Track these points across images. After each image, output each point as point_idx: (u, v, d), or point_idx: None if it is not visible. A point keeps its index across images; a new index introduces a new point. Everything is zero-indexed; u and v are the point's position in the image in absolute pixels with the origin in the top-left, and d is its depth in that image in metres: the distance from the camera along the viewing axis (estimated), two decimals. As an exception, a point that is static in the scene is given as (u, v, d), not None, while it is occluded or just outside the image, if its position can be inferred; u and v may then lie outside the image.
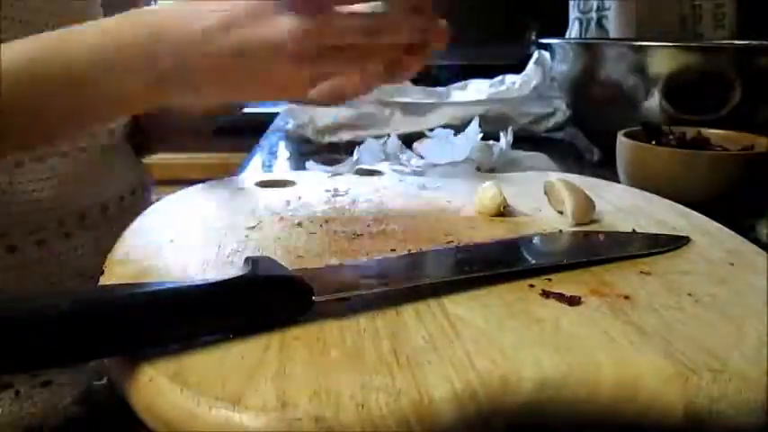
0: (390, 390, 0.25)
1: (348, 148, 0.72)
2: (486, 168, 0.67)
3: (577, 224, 0.45)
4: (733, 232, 0.44)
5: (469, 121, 0.76)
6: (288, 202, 0.49)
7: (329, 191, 0.53)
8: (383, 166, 0.62)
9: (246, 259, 0.32)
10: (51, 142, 0.52)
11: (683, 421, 0.26)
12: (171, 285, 0.28)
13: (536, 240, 0.42)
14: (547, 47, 0.95)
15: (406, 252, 0.39)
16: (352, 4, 0.43)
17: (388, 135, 0.72)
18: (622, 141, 0.62)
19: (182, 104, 0.45)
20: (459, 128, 0.77)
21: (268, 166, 0.84)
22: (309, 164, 0.64)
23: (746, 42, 0.88)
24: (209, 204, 0.49)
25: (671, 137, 0.64)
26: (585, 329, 0.30)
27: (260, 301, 0.29)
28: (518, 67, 1.04)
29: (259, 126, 1.10)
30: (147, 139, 0.71)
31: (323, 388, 0.25)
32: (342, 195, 0.52)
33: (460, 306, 0.32)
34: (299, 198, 0.51)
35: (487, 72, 1.09)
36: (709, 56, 0.71)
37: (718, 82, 0.69)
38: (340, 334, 0.29)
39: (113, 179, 0.62)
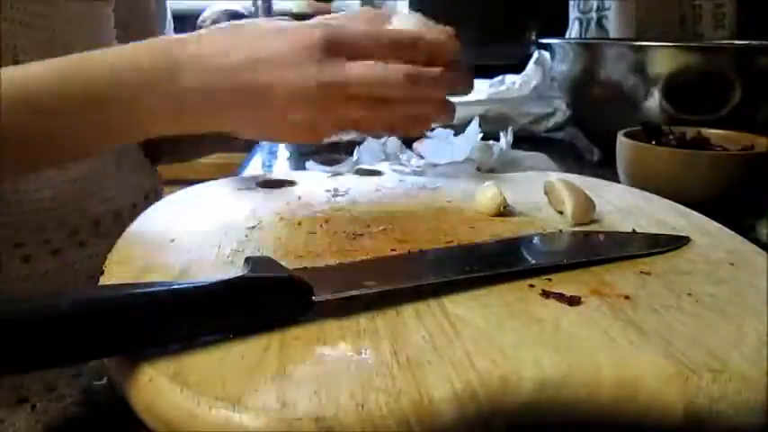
0: (390, 390, 0.25)
1: (348, 148, 0.72)
2: (486, 168, 0.67)
3: (577, 224, 0.45)
4: (733, 232, 0.44)
5: (469, 122, 0.76)
6: (288, 202, 0.49)
7: (329, 191, 0.53)
8: (383, 166, 0.62)
9: (246, 259, 0.32)
10: (63, 163, 0.52)
11: (683, 421, 0.26)
12: (171, 285, 0.28)
13: (536, 240, 0.42)
14: (547, 47, 0.95)
15: (406, 252, 0.39)
16: (388, 54, 0.43)
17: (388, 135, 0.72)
18: (622, 141, 0.62)
19: (197, 133, 0.45)
20: (459, 128, 0.77)
21: (268, 166, 0.84)
22: (309, 164, 0.64)
23: (746, 42, 0.88)
24: (209, 204, 0.49)
25: (671, 137, 0.64)
26: (585, 329, 0.30)
27: (260, 301, 0.29)
28: (518, 67, 1.04)
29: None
30: (158, 150, 0.71)
31: (323, 388, 0.25)
32: (342, 195, 0.52)
33: (460, 306, 0.32)
34: (299, 198, 0.51)
35: (487, 72, 1.09)
36: (709, 56, 0.71)
37: (718, 82, 0.69)
38: (340, 334, 0.29)
39: (126, 186, 0.62)
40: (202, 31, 0.44)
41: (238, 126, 0.45)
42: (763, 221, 0.55)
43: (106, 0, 0.58)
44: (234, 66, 0.41)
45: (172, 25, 0.78)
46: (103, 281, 0.35)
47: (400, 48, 0.44)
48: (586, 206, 0.46)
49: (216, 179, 0.56)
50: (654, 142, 0.62)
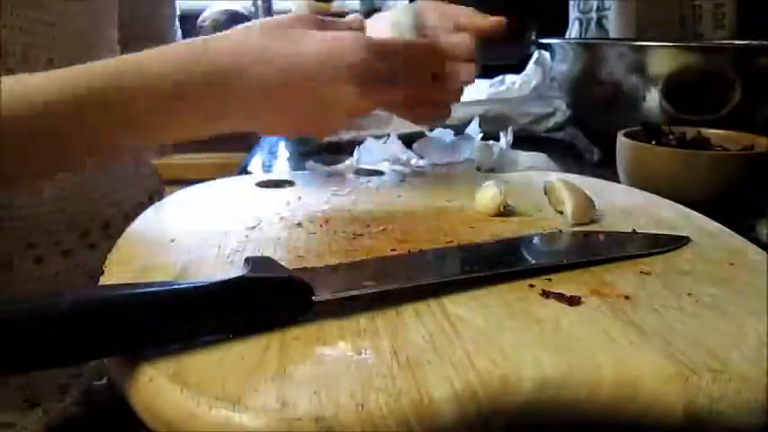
0: (390, 390, 0.25)
1: (348, 148, 0.72)
2: (486, 168, 0.67)
3: (577, 224, 0.45)
4: (733, 232, 0.44)
5: (470, 122, 0.76)
6: (288, 202, 0.49)
7: (329, 191, 0.53)
8: (383, 166, 0.62)
9: (246, 259, 0.32)
10: (85, 166, 0.52)
11: (683, 421, 0.26)
12: (171, 285, 0.28)
13: (536, 240, 0.42)
14: (547, 47, 0.95)
15: (406, 252, 0.39)
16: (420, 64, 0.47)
17: (388, 135, 0.72)
18: (622, 141, 0.62)
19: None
20: (459, 128, 0.77)
21: (268, 166, 0.84)
22: (309, 164, 0.64)
23: (746, 42, 0.88)
24: (209, 204, 0.49)
25: (671, 137, 0.64)
26: (585, 329, 0.30)
27: (260, 301, 0.29)
28: (518, 67, 1.04)
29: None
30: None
31: (323, 388, 0.25)
32: (342, 195, 0.52)
33: (460, 306, 0.32)
34: (299, 198, 0.51)
35: (487, 72, 1.09)
36: (709, 56, 0.71)
37: (718, 82, 0.69)
38: (340, 334, 0.29)
39: (133, 187, 0.63)
40: (233, 33, 0.43)
41: (262, 128, 0.47)
42: (763, 221, 0.55)
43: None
44: (271, 76, 0.41)
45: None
46: (103, 281, 0.35)
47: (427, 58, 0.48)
48: (586, 206, 0.46)
49: (216, 179, 0.56)
50: (654, 142, 0.62)
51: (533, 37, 1.38)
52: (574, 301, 0.33)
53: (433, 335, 0.29)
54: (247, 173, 0.76)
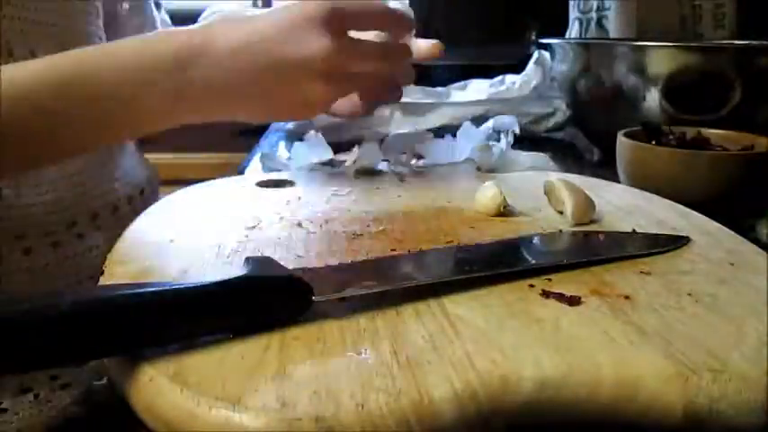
0: (390, 390, 0.25)
1: (348, 148, 0.72)
2: (486, 168, 0.67)
3: (577, 224, 0.45)
4: (733, 232, 0.44)
5: (479, 121, 0.76)
6: (288, 202, 0.49)
7: (329, 191, 0.53)
8: (383, 166, 0.62)
9: (246, 259, 0.32)
10: (62, 159, 0.53)
11: (682, 421, 0.26)
12: (171, 285, 0.28)
13: (536, 240, 0.42)
14: (547, 47, 0.95)
15: (406, 252, 0.39)
16: (380, 25, 0.48)
17: (388, 135, 0.72)
18: (622, 141, 0.62)
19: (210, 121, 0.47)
20: (459, 128, 0.77)
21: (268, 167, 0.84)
22: (309, 164, 0.64)
23: (746, 42, 0.88)
24: (209, 204, 0.49)
25: (671, 137, 0.64)
26: (585, 329, 0.30)
27: (260, 301, 0.29)
28: (518, 67, 1.04)
29: (259, 126, 1.10)
30: None
31: (323, 388, 0.25)
32: (342, 195, 0.52)
33: (460, 306, 0.32)
34: (299, 198, 0.51)
35: (487, 72, 1.09)
36: (709, 56, 0.71)
37: (718, 82, 0.69)
38: (340, 334, 0.29)
39: (123, 179, 0.63)
40: (205, 23, 0.45)
41: (240, 110, 0.46)
42: (763, 221, 0.55)
43: None
44: (237, 45, 0.42)
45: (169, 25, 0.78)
46: (103, 281, 0.35)
47: (390, 20, 0.49)
48: (586, 206, 0.46)
49: (216, 179, 0.56)
50: (654, 142, 0.62)
51: (533, 37, 1.39)
52: (574, 301, 0.33)
53: (433, 335, 0.29)
54: (247, 173, 0.76)
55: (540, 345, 0.28)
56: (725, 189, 0.56)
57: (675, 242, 0.41)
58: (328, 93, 0.45)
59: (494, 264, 0.36)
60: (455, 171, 0.62)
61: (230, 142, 1.34)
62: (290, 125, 0.97)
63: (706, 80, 0.70)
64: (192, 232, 0.42)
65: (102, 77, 0.41)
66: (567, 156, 0.86)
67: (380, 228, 0.44)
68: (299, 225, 0.44)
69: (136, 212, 0.61)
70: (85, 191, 0.57)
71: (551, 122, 0.97)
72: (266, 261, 0.32)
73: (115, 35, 0.63)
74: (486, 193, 0.47)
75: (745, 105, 0.69)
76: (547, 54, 0.97)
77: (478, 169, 0.66)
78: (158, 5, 0.83)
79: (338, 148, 0.77)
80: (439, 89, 1.06)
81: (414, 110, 0.94)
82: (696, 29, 1.08)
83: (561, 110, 0.96)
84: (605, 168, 0.69)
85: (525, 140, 0.83)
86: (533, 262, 0.37)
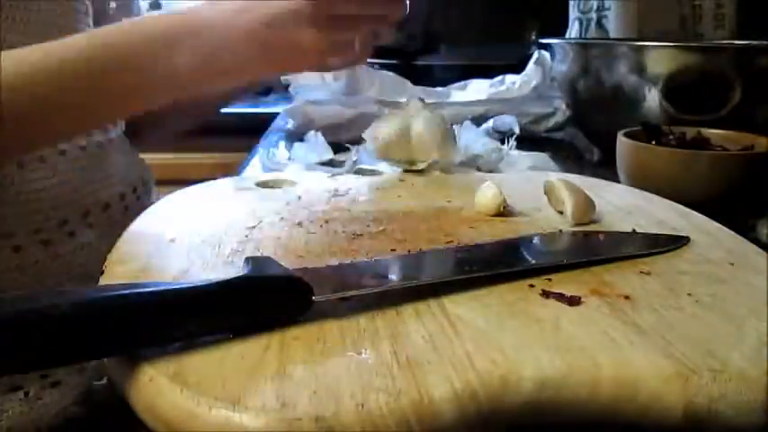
0: (390, 390, 0.25)
1: (348, 148, 0.72)
2: (487, 168, 0.67)
3: (577, 224, 0.45)
4: (733, 232, 0.44)
5: (479, 121, 0.76)
6: (288, 203, 0.49)
7: (329, 191, 0.53)
8: (383, 166, 0.62)
9: (246, 259, 0.32)
10: (100, 125, 0.58)
11: (682, 421, 0.26)
12: (171, 285, 0.28)
13: (536, 240, 0.42)
14: (547, 47, 0.95)
15: (406, 252, 0.39)
16: None
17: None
18: (622, 141, 0.62)
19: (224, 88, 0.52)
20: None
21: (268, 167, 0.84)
22: (310, 165, 0.64)
23: (746, 42, 0.88)
24: (209, 204, 0.49)
25: (671, 137, 0.64)
26: (585, 329, 0.30)
27: (260, 301, 0.29)
28: (518, 67, 1.04)
29: (259, 126, 1.10)
30: (137, 129, 0.71)
31: (323, 388, 0.25)
32: (342, 195, 0.52)
33: (460, 306, 0.32)
34: (299, 198, 0.51)
35: (487, 72, 1.09)
36: (709, 56, 0.71)
37: (718, 82, 0.69)
38: (340, 334, 0.29)
39: (114, 177, 0.63)
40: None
41: (240, 69, 0.50)
42: (764, 221, 0.55)
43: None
44: (227, 14, 0.48)
45: None
46: (103, 281, 0.35)
47: None
48: (586, 206, 0.46)
49: (216, 179, 0.56)
50: (654, 142, 0.62)
51: (533, 37, 1.39)
52: (574, 301, 0.33)
53: (433, 335, 0.29)
54: (247, 173, 0.76)
55: (540, 345, 0.28)
56: (725, 189, 0.56)
57: (675, 242, 0.41)
58: (320, 39, 0.48)
59: (494, 264, 0.36)
60: (455, 171, 0.62)
61: (230, 142, 1.34)
62: (289, 126, 0.97)
63: (706, 80, 0.70)
64: (191, 232, 0.42)
65: (97, 57, 0.46)
66: (567, 156, 0.86)
67: (380, 228, 0.44)
68: (299, 225, 0.44)
69: (128, 211, 0.62)
70: (77, 189, 0.57)
71: (551, 122, 0.97)
72: (266, 261, 0.32)
73: None
74: (486, 193, 0.47)
75: (745, 105, 0.69)
76: (547, 54, 0.98)
77: (478, 169, 0.66)
78: (158, 5, 0.83)
79: (338, 148, 0.77)
80: (439, 89, 1.06)
81: (414, 110, 0.94)
82: (696, 29, 1.08)
83: (561, 110, 0.96)
84: (605, 168, 0.69)
85: (525, 140, 0.83)
86: (533, 262, 0.37)
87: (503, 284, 0.34)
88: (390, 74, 1.02)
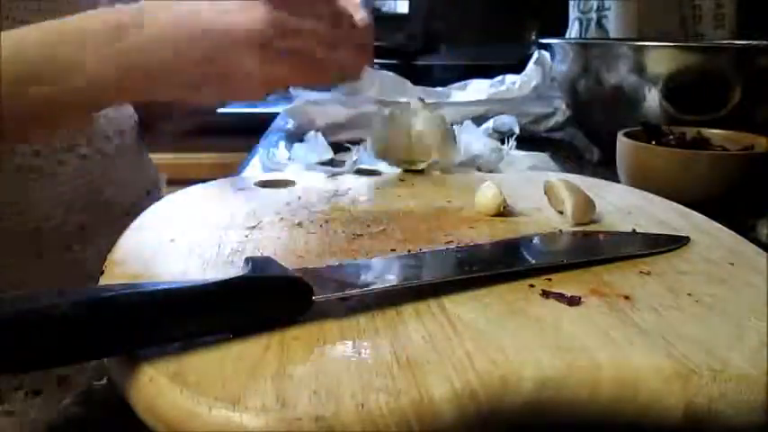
0: (390, 390, 0.25)
1: (348, 148, 0.72)
2: (487, 168, 0.67)
3: (577, 224, 0.45)
4: (733, 232, 0.44)
5: (479, 121, 0.76)
6: (288, 203, 0.49)
7: (329, 191, 0.53)
8: (383, 166, 0.62)
9: (246, 259, 0.32)
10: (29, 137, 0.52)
11: (682, 421, 0.26)
12: (171, 285, 0.28)
13: (536, 240, 0.42)
14: (547, 47, 0.95)
15: (406, 252, 0.39)
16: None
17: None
18: (622, 141, 0.62)
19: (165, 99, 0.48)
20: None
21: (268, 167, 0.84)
22: (310, 165, 0.64)
23: (746, 42, 0.88)
24: (209, 204, 0.49)
25: (671, 137, 0.64)
26: (585, 329, 0.30)
27: (260, 301, 0.29)
28: (518, 67, 1.04)
29: (259, 126, 1.10)
30: (149, 121, 0.71)
31: (323, 388, 0.25)
32: (342, 195, 0.52)
33: (460, 306, 0.32)
34: (299, 198, 0.51)
35: (487, 72, 1.09)
36: (709, 56, 0.71)
37: (718, 82, 0.69)
38: (340, 334, 0.29)
39: (129, 181, 0.63)
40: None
41: (184, 87, 0.46)
42: (763, 221, 0.55)
43: None
44: (176, 17, 0.43)
45: None
46: (103, 281, 0.35)
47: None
48: (586, 206, 0.46)
49: (216, 179, 0.56)
50: (654, 142, 0.62)
51: (533, 37, 1.39)
52: (574, 301, 0.33)
53: (433, 335, 0.29)
54: (247, 173, 0.76)
55: (540, 345, 0.28)
56: (725, 189, 0.56)
57: (675, 242, 0.41)
58: (271, 70, 0.44)
59: (494, 264, 0.36)
60: (456, 171, 0.62)
61: (230, 142, 1.34)
62: (289, 126, 0.97)
63: (706, 80, 0.70)
64: (191, 232, 0.42)
65: (39, 50, 0.43)
66: (567, 156, 0.86)
67: (380, 228, 0.44)
68: (299, 225, 0.44)
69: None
70: (97, 193, 0.58)
71: (551, 122, 0.97)
72: (266, 261, 0.32)
73: None
74: (486, 193, 0.47)
75: (745, 105, 0.69)
76: (547, 54, 0.98)
77: (479, 169, 0.66)
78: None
79: (338, 148, 0.77)
80: (439, 89, 1.06)
81: (414, 110, 0.94)
82: (696, 29, 1.08)
83: (561, 110, 0.96)
84: (605, 168, 0.69)
85: (525, 140, 0.83)
86: (533, 262, 0.37)
87: (503, 284, 0.34)
88: (390, 74, 1.02)
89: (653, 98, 0.72)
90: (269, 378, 0.26)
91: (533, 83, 0.98)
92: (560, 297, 0.33)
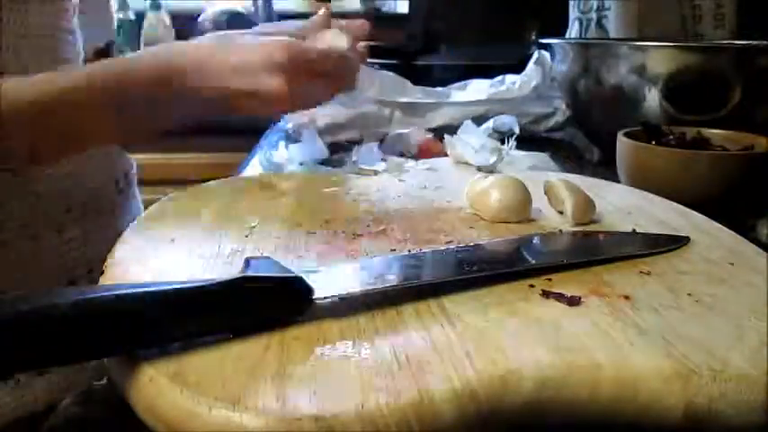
0: (390, 390, 0.25)
1: (348, 148, 0.72)
2: (487, 168, 0.67)
3: (577, 224, 0.45)
4: (733, 232, 0.44)
5: (479, 120, 0.76)
6: (287, 203, 0.49)
7: (330, 191, 0.53)
8: (382, 166, 0.62)
9: (246, 259, 0.32)
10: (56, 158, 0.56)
11: (682, 421, 0.26)
12: (171, 285, 0.28)
13: (536, 240, 0.42)
14: (547, 47, 0.95)
15: (406, 252, 0.39)
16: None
17: (388, 135, 0.72)
18: (622, 141, 0.62)
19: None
20: (459, 128, 0.77)
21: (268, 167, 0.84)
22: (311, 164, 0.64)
23: (746, 42, 0.88)
24: (209, 204, 0.49)
25: (671, 137, 0.64)
26: (585, 329, 0.30)
27: (260, 300, 0.29)
28: (518, 67, 1.04)
29: (259, 126, 1.10)
30: None
31: (323, 388, 0.25)
32: (342, 195, 0.52)
33: (460, 306, 0.32)
34: (300, 198, 0.51)
35: (487, 72, 1.09)
36: (709, 56, 0.71)
37: (718, 82, 0.69)
38: (340, 334, 0.29)
39: (96, 171, 0.63)
40: (182, 43, 0.49)
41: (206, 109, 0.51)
42: (763, 221, 0.55)
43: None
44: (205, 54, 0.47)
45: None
46: (103, 281, 0.35)
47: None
48: (586, 206, 0.46)
49: (216, 179, 0.56)
50: (654, 142, 0.62)
51: (533, 37, 1.39)
52: (574, 301, 0.33)
53: (433, 335, 0.29)
54: (247, 173, 0.76)
55: (540, 345, 0.28)
56: (725, 189, 0.56)
57: (675, 242, 0.41)
58: (287, 88, 0.47)
59: (494, 264, 0.36)
60: (456, 170, 0.62)
61: (230, 142, 1.34)
62: (289, 126, 0.97)
63: (706, 80, 0.70)
64: (192, 232, 0.42)
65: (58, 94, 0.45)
66: (567, 156, 0.86)
67: (380, 228, 0.44)
68: (299, 225, 0.44)
69: (112, 204, 0.62)
70: (62, 184, 0.58)
71: (551, 122, 0.97)
72: (266, 261, 0.32)
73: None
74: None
75: (745, 105, 0.69)
76: (547, 54, 0.98)
77: (479, 169, 0.66)
78: (158, 6, 0.82)
79: (338, 148, 0.77)
80: (439, 89, 1.06)
81: (414, 110, 0.94)
82: (696, 29, 1.08)
83: (561, 110, 0.96)
84: (605, 168, 0.69)
85: (525, 140, 0.83)
86: (533, 262, 0.37)
87: (503, 284, 0.34)
88: (390, 74, 1.02)
89: (653, 98, 0.72)
90: (269, 378, 0.26)
91: (533, 83, 0.98)
92: (560, 297, 0.33)
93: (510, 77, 1.03)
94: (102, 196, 0.63)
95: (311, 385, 0.25)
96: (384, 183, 0.56)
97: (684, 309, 0.32)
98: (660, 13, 1.09)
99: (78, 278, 0.58)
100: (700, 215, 0.47)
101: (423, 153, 0.77)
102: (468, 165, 0.68)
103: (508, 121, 0.85)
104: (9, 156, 0.46)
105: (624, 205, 0.50)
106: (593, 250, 0.40)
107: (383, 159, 0.68)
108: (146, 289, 0.28)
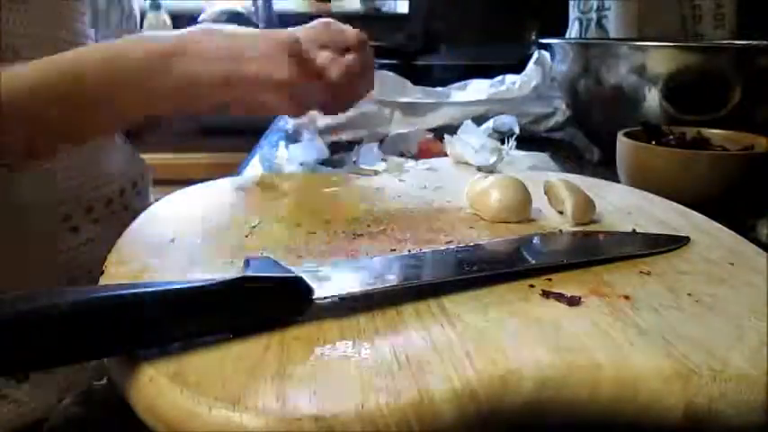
0: (390, 390, 0.25)
1: (348, 148, 0.72)
2: (487, 168, 0.67)
3: (577, 224, 0.45)
4: (733, 232, 0.44)
5: (479, 121, 0.76)
6: (288, 202, 0.49)
7: (330, 191, 0.53)
8: (383, 166, 0.62)
9: (246, 259, 0.32)
10: (79, 141, 0.56)
11: (682, 421, 0.26)
12: (171, 285, 0.28)
13: (536, 240, 0.42)
14: (547, 47, 0.95)
15: (405, 252, 0.39)
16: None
17: (388, 135, 0.72)
18: (622, 141, 0.62)
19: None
20: (459, 128, 0.77)
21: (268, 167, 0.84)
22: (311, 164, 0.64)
23: (746, 42, 0.88)
24: (209, 204, 0.49)
25: (671, 137, 0.64)
26: (585, 329, 0.30)
27: (260, 300, 0.29)
28: (518, 67, 1.04)
29: (259, 126, 1.10)
30: (137, 130, 0.72)
31: (323, 388, 0.25)
32: (342, 195, 0.52)
33: (460, 306, 0.32)
34: (300, 198, 0.51)
35: (487, 72, 1.09)
36: (709, 56, 0.71)
37: (718, 82, 0.69)
38: (340, 334, 0.29)
39: (115, 173, 0.63)
40: (185, 31, 0.49)
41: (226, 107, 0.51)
42: (763, 221, 0.55)
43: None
44: (221, 56, 0.48)
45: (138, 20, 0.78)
46: (103, 281, 0.35)
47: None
48: (586, 206, 0.46)
49: (216, 179, 0.56)
50: (654, 142, 0.62)
51: (533, 37, 1.39)
52: (574, 301, 0.33)
53: (433, 335, 0.29)
54: (247, 173, 0.76)
55: (540, 345, 0.28)
56: (725, 189, 0.56)
57: (675, 242, 0.41)
58: (295, 83, 0.48)
59: (494, 264, 0.36)
60: (457, 170, 0.62)
61: (230, 142, 1.34)
62: (289, 126, 0.97)
63: (706, 80, 0.70)
64: (192, 232, 0.42)
65: (87, 70, 0.47)
66: (567, 156, 0.86)
67: (380, 228, 0.44)
68: (299, 225, 0.44)
69: (129, 206, 0.62)
70: (81, 184, 0.58)
71: (551, 122, 0.97)
72: (266, 261, 0.32)
73: (97, 31, 0.64)
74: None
75: (745, 105, 0.69)
76: (547, 54, 0.97)
77: (479, 169, 0.66)
78: (158, 6, 0.83)
79: (338, 148, 0.77)
80: (439, 89, 1.06)
81: (414, 110, 0.94)
82: (696, 29, 1.08)
83: (561, 110, 0.96)
84: (605, 168, 0.69)
85: (525, 140, 0.83)
86: (533, 262, 0.37)
87: (503, 284, 0.34)
88: (390, 74, 1.02)
89: (653, 98, 0.72)
90: (269, 378, 0.26)
91: (533, 83, 0.98)
92: (560, 297, 0.33)
93: (510, 77, 1.03)
94: (121, 198, 0.63)
95: (311, 385, 0.25)
96: (384, 183, 0.56)
97: (684, 309, 0.32)
98: (660, 13, 1.09)
99: (79, 278, 0.58)
100: (700, 215, 0.47)
101: (423, 153, 0.77)
102: (468, 165, 0.69)
103: (508, 121, 0.85)
104: (5, 150, 0.46)
105: (624, 205, 0.50)
106: (593, 250, 0.40)
107: (383, 159, 0.68)
108: (146, 289, 0.28)
